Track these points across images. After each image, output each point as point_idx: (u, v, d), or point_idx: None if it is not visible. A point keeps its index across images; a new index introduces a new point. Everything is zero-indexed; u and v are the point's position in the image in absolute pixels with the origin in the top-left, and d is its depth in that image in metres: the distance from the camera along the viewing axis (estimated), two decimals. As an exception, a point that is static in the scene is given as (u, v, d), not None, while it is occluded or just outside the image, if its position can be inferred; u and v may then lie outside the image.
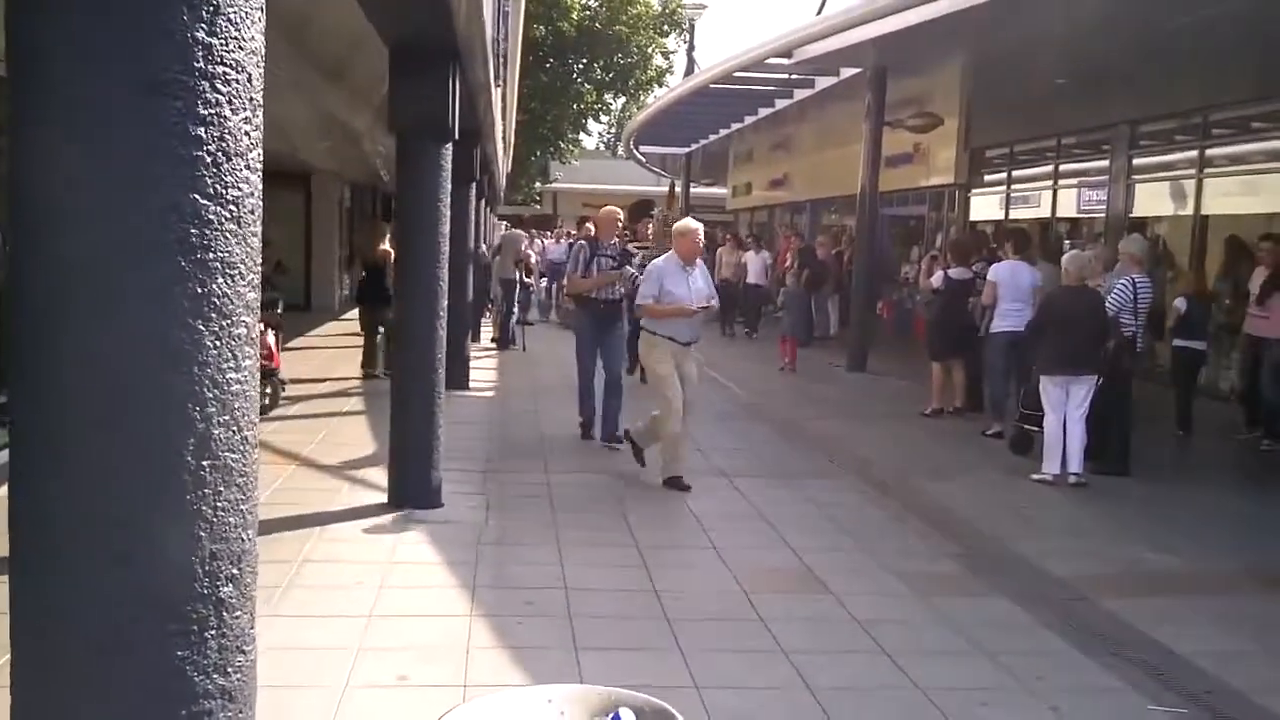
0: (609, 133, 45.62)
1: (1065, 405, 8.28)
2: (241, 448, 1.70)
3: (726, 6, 63.48)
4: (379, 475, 7.27)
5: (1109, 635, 5.12)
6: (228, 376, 1.65)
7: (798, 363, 14.81)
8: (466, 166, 11.40)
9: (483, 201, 17.80)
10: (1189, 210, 13.46)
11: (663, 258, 7.99)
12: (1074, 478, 8.19)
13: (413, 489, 6.80)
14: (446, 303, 7.02)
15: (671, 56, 38.73)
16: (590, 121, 39.70)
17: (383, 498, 6.90)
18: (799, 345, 15.27)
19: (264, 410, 9.38)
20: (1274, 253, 9.88)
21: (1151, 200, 14.41)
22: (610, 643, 4.75)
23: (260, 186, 1.70)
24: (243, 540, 1.74)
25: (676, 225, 8.23)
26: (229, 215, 1.61)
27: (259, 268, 1.71)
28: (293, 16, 7.97)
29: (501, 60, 11.48)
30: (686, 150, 30.78)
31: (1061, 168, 16.42)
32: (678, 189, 30.74)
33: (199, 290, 1.58)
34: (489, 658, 4.54)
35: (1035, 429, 8.70)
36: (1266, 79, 11.69)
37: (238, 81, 1.61)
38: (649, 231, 14.23)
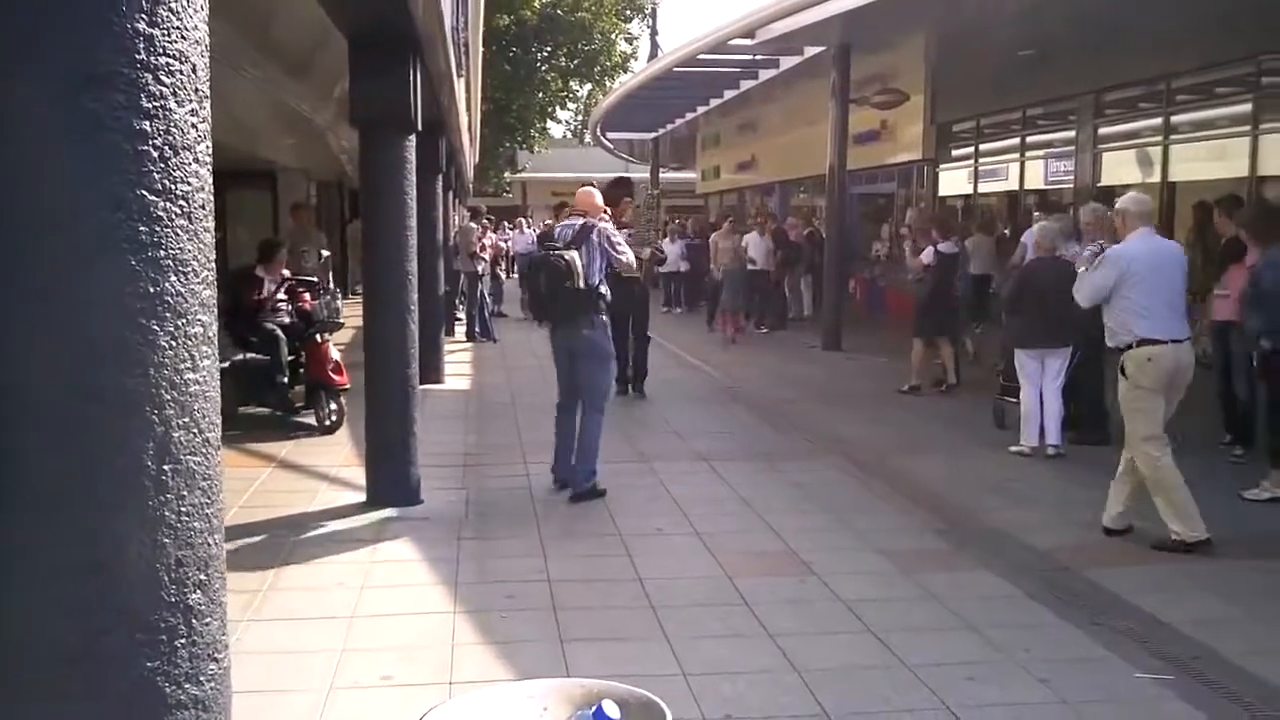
0: (576, 120, 45.46)
1: (1041, 377, 8.30)
2: (204, 450, 1.65)
3: (689, -11, 63.54)
4: (357, 474, 7.20)
5: (1094, 605, 5.13)
6: (185, 378, 1.59)
7: (770, 340, 14.90)
8: (432, 158, 11.32)
9: (450, 193, 17.67)
10: (1156, 178, 13.52)
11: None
12: (1052, 449, 8.22)
13: (391, 487, 6.73)
14: (416, 297, 6.95)
15: (635, 42, 38.68)
16: (557, 110, 39.57)
17: (361, 496, 6.84)
18: (745, 319, 15.59)
19: (328, 431, 9.00)
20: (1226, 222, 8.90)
21: (1118, 169, 14.45)
22: (596, 633, 4.72)
23: (210, 181, 1.64)
24: (209, 545, 1.69)
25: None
26: (179, 211, 1.55)
27: (213, 264, 1.65)
28: (253, 11, 7.85)
29: (463, 49, 11.39)
30: (654, 135, 30.74)
31: (1028, 140, 16.46)
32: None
33: (151, 290, 1.52)
34: (474, 654, 4.50)
35: (1014, 400, 8.71)
36: (1226, 44, 11.73)
37: (182, 73, 1.55)
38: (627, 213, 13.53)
